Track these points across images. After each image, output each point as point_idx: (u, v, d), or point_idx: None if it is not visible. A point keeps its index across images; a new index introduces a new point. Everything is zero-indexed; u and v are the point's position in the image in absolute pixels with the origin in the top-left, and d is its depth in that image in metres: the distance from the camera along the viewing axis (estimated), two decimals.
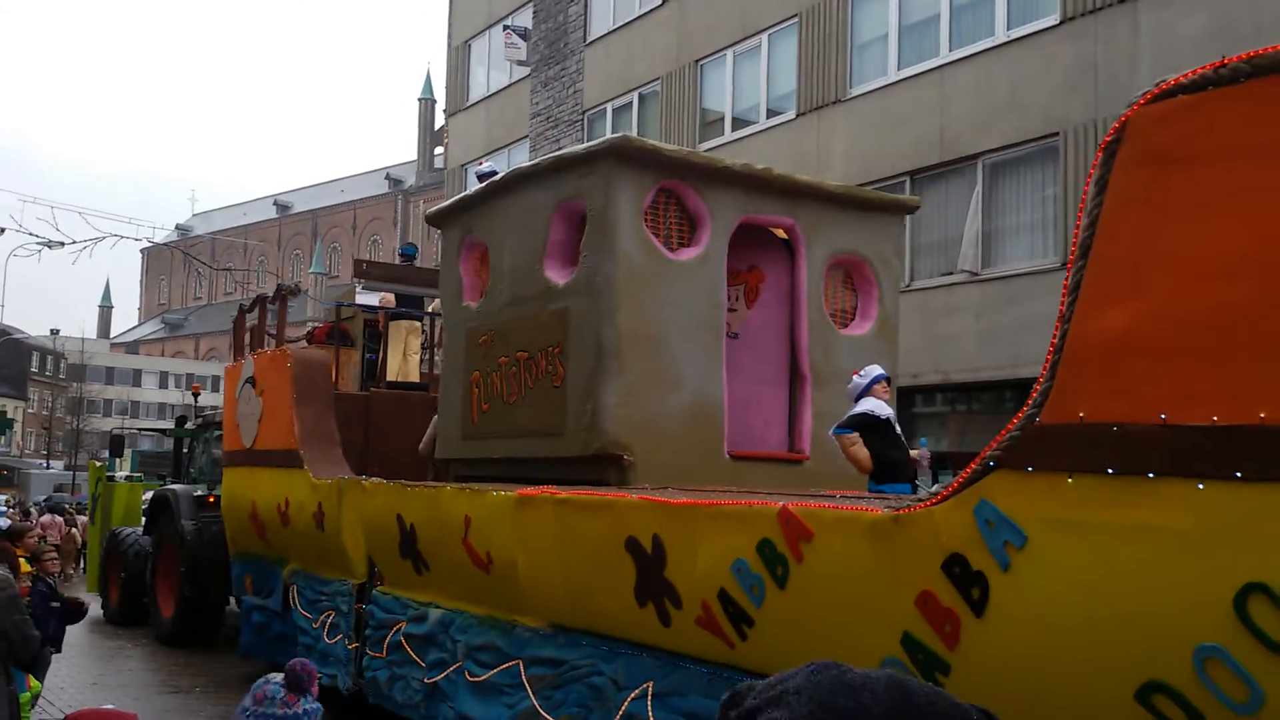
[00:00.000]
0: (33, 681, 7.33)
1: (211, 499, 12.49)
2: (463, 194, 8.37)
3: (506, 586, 5.96)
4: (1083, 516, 3.08)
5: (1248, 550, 2.71)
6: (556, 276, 6.86)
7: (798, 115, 17.33)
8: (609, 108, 21.88)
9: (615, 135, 6.78)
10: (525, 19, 24.81)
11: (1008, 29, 14.37)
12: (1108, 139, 3.17)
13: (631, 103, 21.28)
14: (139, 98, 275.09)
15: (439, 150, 65.69)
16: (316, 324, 12.79)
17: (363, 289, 11.59)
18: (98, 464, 17.92)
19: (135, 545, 14.08)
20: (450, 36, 28.00)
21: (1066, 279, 3.22)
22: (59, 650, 7.71)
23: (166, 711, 9.23)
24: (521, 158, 24.15)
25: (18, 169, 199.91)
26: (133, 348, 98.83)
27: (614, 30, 21.91)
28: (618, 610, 5.03)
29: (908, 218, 9.04)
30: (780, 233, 7.18)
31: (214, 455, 13.59)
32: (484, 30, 26.54)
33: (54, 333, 76.51)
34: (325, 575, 8.62)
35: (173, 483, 14.95)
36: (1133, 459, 2.96)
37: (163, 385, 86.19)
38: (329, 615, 8.38)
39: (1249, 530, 2.72)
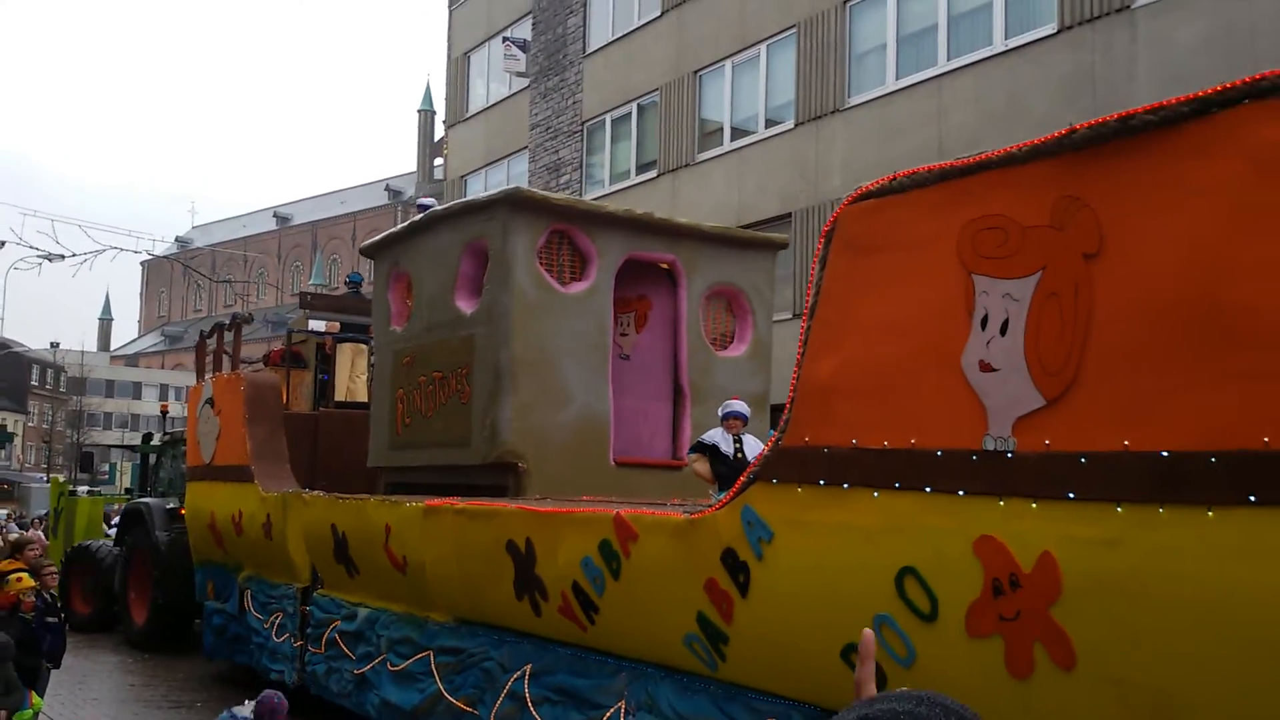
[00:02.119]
0: (35, 698, 7.48)
1: (183, 511, 13.29)
2: (391, 230, 9.24)
3: (419, 586, 6.84)
4: (806, 517, 4.00)
5: (902, 543, 3.63)
6: (465, 306, 7.75)
7: (796, 125, 17.47)
8: (608, 118, 22.02)
9: (510, 186, 7.66)
10: (524, 31, 24.99)
11: (1005, 38, 14.42)
12: (827, 227, 4.08)
13: (630, 113, 21.45)
14: (138, 111, 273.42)
15: (439, 161, 65.60)
16: (274, 348, 13.61)
17: (308, 317, 12.45)
18: (60, 480, 18.66)
19: (108, 557, 14.88)
20: (450, 48, 28.18)
21: (801, 335, 4.13)
22: (57, 666, 7.93)
23: None
24: (521, 169, 24.40)
25: (17, 183, 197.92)
26: (133, 360, 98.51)
27: (613, 41, 22.06)
28: (502, 603, 5.93)
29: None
30: (665, 266, 8.09)
31: (182, 470, 14.40)
32: (483, 42, 26.73)
33: (54, 346, 76.33)
34: (274, 580, 9.47)
35: (139, 496, 15.74)
36: (836, 473, 3.88)
37: (163, 398, 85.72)
38: (277, 616, 9.23)
39: (903, 528, 3.63)
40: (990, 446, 3.39)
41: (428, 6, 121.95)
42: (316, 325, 12.26)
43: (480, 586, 6.17)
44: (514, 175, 25.12)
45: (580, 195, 21.86)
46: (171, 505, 13.83)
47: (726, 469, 6.61)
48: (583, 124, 22.72)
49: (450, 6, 28.37)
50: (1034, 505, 3.25)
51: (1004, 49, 14.42)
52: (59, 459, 67.18)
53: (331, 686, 7.98)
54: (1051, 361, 3.24)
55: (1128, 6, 13.01)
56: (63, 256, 21.22)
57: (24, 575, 7.39)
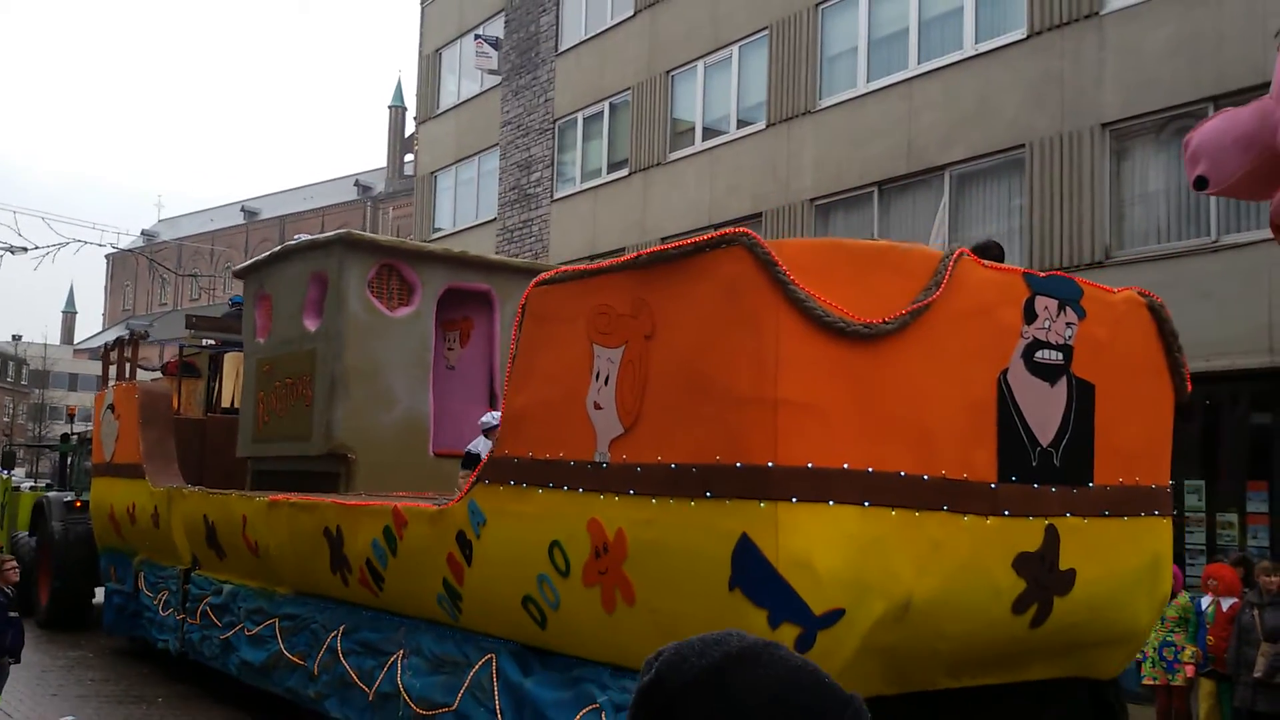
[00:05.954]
0: None
1: (79, 504, 14.57)
2: (257, 257, 10.66)
3: (267, 565, 8.36)
4: (504, 507, 5.61)
5: (552, 524, 5.25)
6: (310, 325, 9.25)
7: (768, 126, 17.55)
8: (580, 117, 22.10)
9: (343, 229, 9.15)
10: (497, 28, 24.92)
11: (975, 42, 14.60)
12: (524, 300, 5.65)
13: (602, 112, 21.53)
14: (106, 104, 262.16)
15: (409, 158, 65.05)
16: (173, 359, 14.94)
17: (194, 336, 13.86)
18: (3, 477, 19.47)
19: (26, 545, 16.09)
20: (421, 45, 28.07)
21: (507, 376, 5.72)
22: (18, 661, 8.12)
23: None
24: (492, 166, 24.63)
25: None
26: (96, 354, 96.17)
27: (585, 40, 22.16)
28: (322, 577, 7.48)
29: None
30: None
31: (87, 466, 15.67)
32: (455, 39, 26.55)
33: (16, 338, 74.62)
34: (162, 563, 10.91)
35: (57, 490, 16.96)
36: (520, 476, 5.49)
37: None
38: (164, 594, 10.68)
39: (553, 514, 5.25)
40: (597, 459, 5.02)
41: (400, 2, 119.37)
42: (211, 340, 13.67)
43: (308, 564, 7.71)
44: (485, 172, 25.16)
45: (552, 193, 22.47)
46: (69, 499, 15.08)
47: None
48: (554, 122, 22.76)
49: (422, 3, 28.26)
50: (616, 498, 4.89)
51: (974, 53, 14.62)
52: (20, 452, 66.37)
53: (205, 652, 9.48)
54: (628, 404, 4.87)
55: (1096, 13, 13.23)
56: (25, 249, 21.55)
57: None
